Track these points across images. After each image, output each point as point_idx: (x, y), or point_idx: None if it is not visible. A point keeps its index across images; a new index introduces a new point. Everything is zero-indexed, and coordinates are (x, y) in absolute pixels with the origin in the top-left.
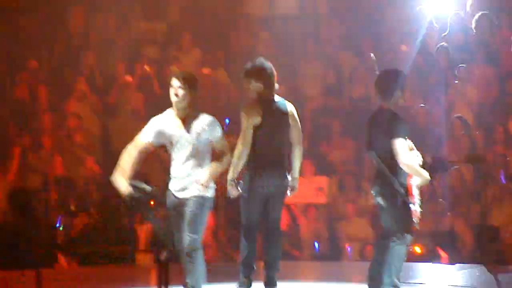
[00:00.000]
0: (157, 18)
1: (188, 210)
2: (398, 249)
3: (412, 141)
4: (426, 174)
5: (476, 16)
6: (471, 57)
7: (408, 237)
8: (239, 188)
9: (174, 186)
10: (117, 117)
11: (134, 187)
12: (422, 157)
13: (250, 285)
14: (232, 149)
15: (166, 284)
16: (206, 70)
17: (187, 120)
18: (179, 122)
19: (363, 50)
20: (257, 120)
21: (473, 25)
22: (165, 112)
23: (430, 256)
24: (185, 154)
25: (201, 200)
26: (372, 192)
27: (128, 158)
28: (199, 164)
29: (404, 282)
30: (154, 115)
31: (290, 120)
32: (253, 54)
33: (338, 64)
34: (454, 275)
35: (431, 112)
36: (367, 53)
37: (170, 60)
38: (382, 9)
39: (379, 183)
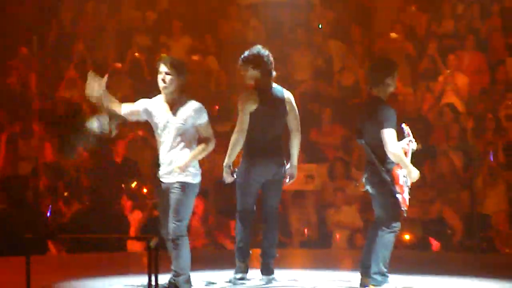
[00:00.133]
0: (147, 6)
1: (173, 196)
2: (386, 237)
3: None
4: (412, 168)
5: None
6: (461, 44)
7: (397, 225)
8: (234, 175)
9: (161, 171)
10: None
11: (99, 119)
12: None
13: (247, 271)
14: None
15: (156, 271)
16: (196, 57)
17: (174, 106)
18: (166, 107)
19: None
20: (253, 107)
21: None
22: (154, 98)
23: (419, 244)
24: (171, 139)
25: (185, 185)
26: (362, 180)
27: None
28: (185, 150)
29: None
30: None
31: (287, 107)
32: (243, 41)
33: (328, 51)
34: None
35: (421, 99)
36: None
37: (161, 48)
38: None
39: (369, 171)
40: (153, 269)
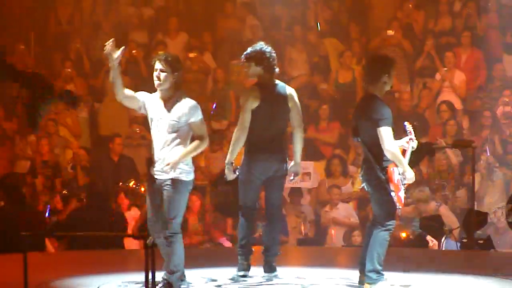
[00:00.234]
0: (144, 2)
1: (166, 194)
2: (381, 235)
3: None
4: (408, 168)
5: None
6: (458, 41)
7: (392, 223)
8: (236, 172)
9: (155, 168)
10: (104, 101)
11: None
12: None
13: (249, 269)
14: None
15: (153, 269)
16: (193, 54)
17: (169, 103)
18: (161, 104)
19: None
20: (255, 104)
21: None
22: (153, 94)
23: (416, 242)
24: (165, 136)
25: (178, 183)
26: (359, 177)
27: None
28: (178, 148)
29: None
30: None
31: (290, 104)
32: (240, 38)
33: (325, 49)
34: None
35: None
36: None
37: (157, 45)
38: None
39: (365, 169)
40: (150, 266)
